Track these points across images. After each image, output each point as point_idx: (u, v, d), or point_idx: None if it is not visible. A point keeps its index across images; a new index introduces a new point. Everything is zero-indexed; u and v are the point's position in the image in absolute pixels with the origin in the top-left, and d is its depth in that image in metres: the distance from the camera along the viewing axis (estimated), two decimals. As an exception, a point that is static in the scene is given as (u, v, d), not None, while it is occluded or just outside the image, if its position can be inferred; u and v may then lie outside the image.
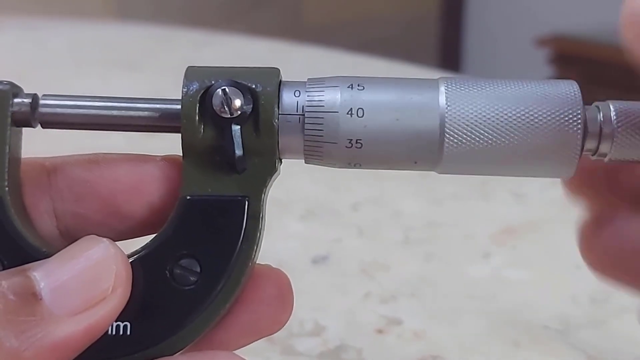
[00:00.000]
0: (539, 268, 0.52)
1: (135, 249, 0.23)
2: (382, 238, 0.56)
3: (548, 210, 0.61)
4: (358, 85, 0.23)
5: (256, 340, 0.24)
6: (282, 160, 0.24)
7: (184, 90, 0.23)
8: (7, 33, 1.13)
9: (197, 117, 0.23)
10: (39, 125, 0.24)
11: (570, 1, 2.22)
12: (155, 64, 1.01)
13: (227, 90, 0.23)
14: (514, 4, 2.41)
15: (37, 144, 0.26)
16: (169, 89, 0.24)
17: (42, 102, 0.24)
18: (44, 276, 0.21)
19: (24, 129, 0.24)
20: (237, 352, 0.23)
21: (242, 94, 0.23)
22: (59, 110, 0.24)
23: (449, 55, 2.53)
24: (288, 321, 0.25)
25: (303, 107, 0.23)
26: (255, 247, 0.23)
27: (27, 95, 0.24)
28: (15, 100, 0.23)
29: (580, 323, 0.45)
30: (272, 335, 0.42)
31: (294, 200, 0.61)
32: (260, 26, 2.00)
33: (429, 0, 2.58)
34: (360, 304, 0.47)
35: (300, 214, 0.59)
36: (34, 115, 0.24)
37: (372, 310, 0.46)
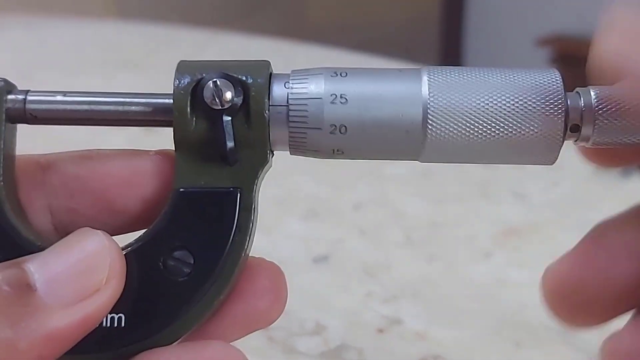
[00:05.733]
0: (540, 268, 0.51)
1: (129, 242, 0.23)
2: (383, 238, 0.56)
3: (550, 210, 0.60)
4: (341, 74, 0.23)
5: (251, 332, 0.24)
6: (274, 152, 0.24)
7: (175, 83, 0.23)
8: (7, 32, 1.13)
9: (188, 110, 0.23)
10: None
11: (572, 1, 2.22)
12: (156, 64, 1.01)
13: (218, 82, 0.23)
14: (515, 3, 2.41)
15: (33, 142, 0.26)
16: (169, 88, 0.24)
17: (29, 97, 0.23)
18: (39, 268, 0.21)
19: (20, 128, 0.24)
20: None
21: (233, 86, 0.23)
22: (47, 106, 0.24)
23: (450, 55, 2.52)
24: (282, 315, 0.24)
25: None
26: (248, 239, 0.23)
27: (21, 92, 0.24)
28: (9, 96, 0.23)
29: (582, 323, 0.45)
30: (273, 335, 0.43)
31: (295, 199, 0.60)
32: (262, 26, 2.00)
33: (430, 0, 2.58)
34: (361, 303, 0.47)
35: (302, 214, 0.59)
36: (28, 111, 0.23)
37: (373, 310, 0.46)
